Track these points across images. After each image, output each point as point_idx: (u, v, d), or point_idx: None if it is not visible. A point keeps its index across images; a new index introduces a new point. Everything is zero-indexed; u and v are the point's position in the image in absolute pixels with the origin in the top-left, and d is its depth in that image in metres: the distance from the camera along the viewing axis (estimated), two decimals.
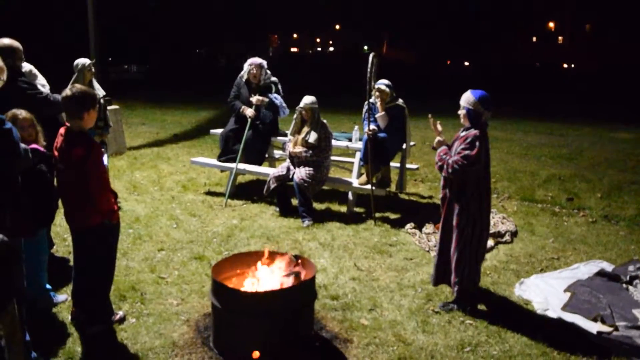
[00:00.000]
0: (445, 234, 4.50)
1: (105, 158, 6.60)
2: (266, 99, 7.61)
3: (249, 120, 7.51)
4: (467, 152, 4.22)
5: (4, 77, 3.05)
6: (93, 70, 6.74)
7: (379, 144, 6.77)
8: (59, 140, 3.73)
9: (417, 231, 6.34)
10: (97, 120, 6.50)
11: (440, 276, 4.58)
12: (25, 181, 3.23)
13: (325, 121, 6.80)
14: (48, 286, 4.35)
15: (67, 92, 3.66)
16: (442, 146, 4.48)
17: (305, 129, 6.68)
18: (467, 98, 4.35)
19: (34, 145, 3.71)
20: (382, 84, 6.93)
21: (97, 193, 3.64)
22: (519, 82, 32.18)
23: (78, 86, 3.77)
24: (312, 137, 6.60)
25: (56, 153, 3.71)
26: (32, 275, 4.03)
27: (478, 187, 4.40)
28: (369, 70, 6.48)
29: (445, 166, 4.32)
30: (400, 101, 7.02)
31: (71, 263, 4.35)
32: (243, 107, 7.65)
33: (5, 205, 2.90)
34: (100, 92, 6.77)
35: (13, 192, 3.08)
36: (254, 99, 7.57)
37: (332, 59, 56.33)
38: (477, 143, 4.24)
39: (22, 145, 3.28)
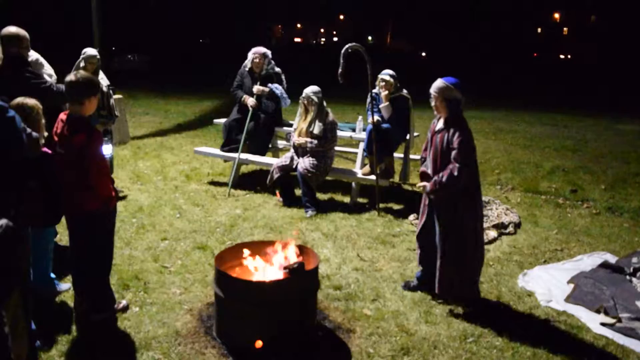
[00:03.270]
0: (455, 236, 4.21)
1: (110, 147, 6.62)
2: (266, 89, 7.59)
3: (251, 110, 7.50)
4: (463, 154, 4.04)
5: None
6: (98, 60, 6.71)
7: (383, 135, 6.75)
8: (59, 125, 3.73)
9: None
10: (99, 109, 6.53)
11: (456, 284, 4.28)
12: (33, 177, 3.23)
13: (330, 111, 6.78)
14: (52, 275, 4.36)
15: (70, 77, 3.66)
16: (430, 183, 4.19)
17: (310, 119, 6.66)
18: (443, 88, 4.13)
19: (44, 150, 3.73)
20: (387, 74, 6.90)
21: (96, 178, 3.64)
22: (523, 73, 32.05)
23: (82, 72, 3.77)
24: (317, 127, 6.58)
25: (56, 138, 3.71)
26: (37, 264, 4.05)
27: (476, 179, 4.26)
28: (367, 61, 6.45)
29: (453, 184, 4.07)
30: (404, 92, 6.99)
31: None
32: (244, 96, 7.64)
33: (10, 194, 2.90)
34: (104, 81, 6.75)
35: (17, 180, 3.07)
36: (255, 88, 7.56)
37: (336, 49, 56.21)
38: (468, 137, 4.10)
39: (34, 134, 3.28)
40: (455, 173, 4.04)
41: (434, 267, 4.34)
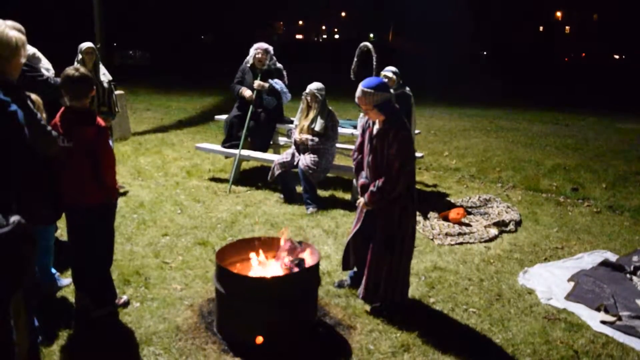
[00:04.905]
0: (394, 241, 4.05)
1: (109, 143, 6.62)
2: (266, 84, 7.58)
3: (251, 107, 7.48)
4: (401, 160, 3.86)
5: (25, 52, 3.02)
6: (97, 54, 6.71)
7: None
8: (63, 119, 3.73)
9: (421, 219, 6.33)
10: (100, 105, 6.54)
11: (382, 288, 4.14)
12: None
13: (332, 109, 6.78)
14: (53, 270, 4.37)
15: (72, 73, 3.66)
16: (367, 195, 4.00)
17: (312, 116, 6.66)
18: (366, 96, 3.86)
19: None
20: (389, 70, 6.90)
21: (106, 170, 3.69)
22: (525, 72, 32.03)
23: (79, 68, 3.79)
24: (319, 124, 6.58)
25: (61, 131, 3.72)
26: (38, 260, 4.05)
27: (414, 181, 4.11)
28: (374, 57, 6.51)
29: (391, 190, 3.89)
30: (407, 89, 6.99)
31: None
32: (242, 88, 7.65)
33: (12, 190, 2.90)
34: (106, 77, 6.75)
35: (21, 176, 3.07)
36: (255, 83, 7.55)
37: (337, 46, 56.12)
38: (408, 139, 3.91)
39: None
40: (393, 181, 3.87)
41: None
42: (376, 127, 4.02)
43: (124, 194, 6.85)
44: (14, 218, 2.07)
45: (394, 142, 3.86)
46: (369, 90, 3.87)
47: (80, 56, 6.58)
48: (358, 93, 3.92)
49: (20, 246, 2.10)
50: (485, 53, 50.01)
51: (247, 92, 7.56)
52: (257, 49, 7.69)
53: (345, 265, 4.53)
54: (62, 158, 3.63)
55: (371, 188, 3.98)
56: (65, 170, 3.69)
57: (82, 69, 3.75)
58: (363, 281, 4.21)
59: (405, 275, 4.18)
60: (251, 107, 7.51)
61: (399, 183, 3.88)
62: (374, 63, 6.53)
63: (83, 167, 3.66)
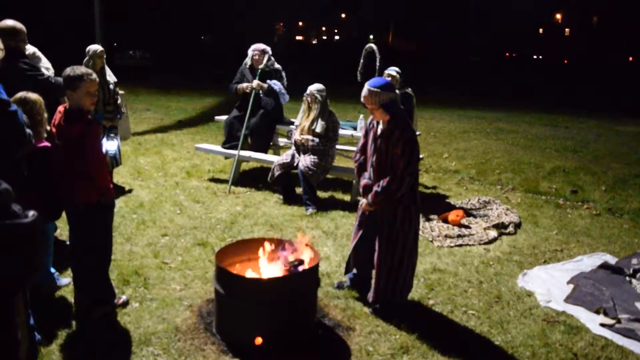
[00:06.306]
0: (397, 245, 4.05)
1: (116, 143, 6.62)
2: (265, 85, 7.58)
3: (251, 102, 7.47)
4: (406, 160, 3.86)
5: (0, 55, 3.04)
6: (104, 56, 6.71)
7: None
8: (57, 117, 3.74)
9: (420, 221, 6.32)
10: (105, 104, 6.55)
11: (398, 294, 4.18)
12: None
13: (332, 110, 6.78)
14: (52, 269, 4.36)
15: (66, 70, 3.69)
16: (371, 195, 4.02)
17: (312, 117, 6.66)
18: (373, 95, 3.87)
19: (45, 144, 3.76)
20: (393, 69, 6.92)
21: (94, 169, 3.67)
22: (525, 74, 32.05)
23: (83, 67, 3.80)
24: (319, 125, 6.57)
25: (54, 129, 3.72)
26: None
27: (417, 183, 4.11)
28: (377, 58, 6.55)
29: (395, 191, 3.91)
30: (409, 90, 6.99)
31: None
32: (238, 86, 7.68)
33: (12, 187, 2.89)
34: (112, 78, 6.75)
35: (19, 175, 3.07)
36: (254, 83, 7.55)
37: (338, 47, 56.08)
38: (413, 140, 3.90)
39: (27, 131, 3.28)
40: (397, 181, 3.87)
41: (366, 272, 4.36)
42: (381, 127, 4.02)
43: (127, 192, 6.85)
44: (32, 212, 2.11)
45: (399, 141, 3.87)
46: (375, 89, 3.88)
47: (91, 60, 6.54)
48: (364, 92, 3.93)
49: (37, 238, 2.13)
50: (511, 55, 49.23)
51: (245, 84, 7.63)
52: (254, 50, 7.70)
53: (348, 270, 4.55)
54: (54, 156, 3.64)
55: (375, 188, 3.98)
56: (58, 169, 3.69)
57: (78, 67, 3.76)
58: (373, 286, 4.22)
59: (406, 276, 4.17)
60: (251, 102, 7.46)
61: (403, 183, 3.88)
62: (377, 64, 6.58)
63: (73, 166, 3.66)
